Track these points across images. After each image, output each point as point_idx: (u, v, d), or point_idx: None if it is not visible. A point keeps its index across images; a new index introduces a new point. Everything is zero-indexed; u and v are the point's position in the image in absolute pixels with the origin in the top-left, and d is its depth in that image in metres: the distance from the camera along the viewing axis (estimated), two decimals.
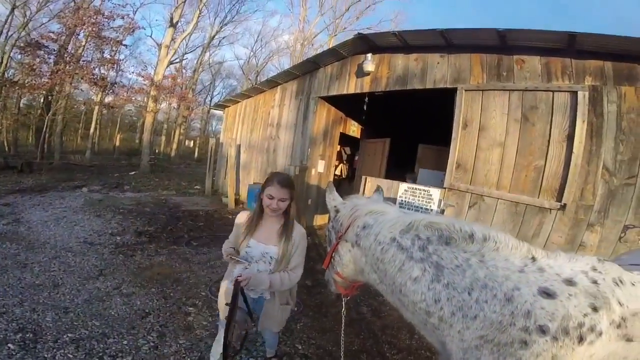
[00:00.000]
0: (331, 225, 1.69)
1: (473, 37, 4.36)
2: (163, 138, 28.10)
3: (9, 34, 16.71)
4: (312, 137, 7.16)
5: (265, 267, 1.88)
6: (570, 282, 1.07)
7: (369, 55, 5.59)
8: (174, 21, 16.89)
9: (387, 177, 6.44)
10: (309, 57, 7.28)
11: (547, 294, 1.06)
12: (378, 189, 1.89)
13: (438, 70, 4.87)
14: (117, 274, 3.90)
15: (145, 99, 16.97)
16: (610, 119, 3.53)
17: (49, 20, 17.46)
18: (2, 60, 15.13)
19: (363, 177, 5.68)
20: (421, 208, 4.64)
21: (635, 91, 3.44)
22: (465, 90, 4.50)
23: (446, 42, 4.67)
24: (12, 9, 16.62)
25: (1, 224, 5.25)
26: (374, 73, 5.70)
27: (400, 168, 7.14)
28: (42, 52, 13.43)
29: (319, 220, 7.70)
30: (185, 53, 26.76)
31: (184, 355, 2.57)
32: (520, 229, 3.90)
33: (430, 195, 4.61)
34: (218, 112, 19.81)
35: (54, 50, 13.76)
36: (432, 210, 4.55)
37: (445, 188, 4.53)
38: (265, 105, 8.63)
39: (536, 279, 1.09)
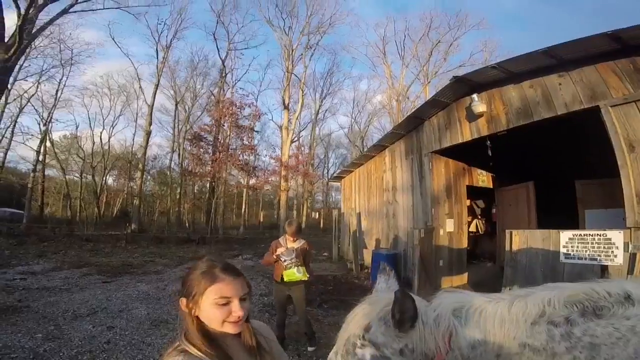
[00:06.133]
0: (395, 349, 1.01)
1: (584, 48, 3.86)
2: (295, 212, 31.53)
3: (180, 127, 23.29)
4: (434, 196, 6.73)
5: None
6: None
7: (475, 95, 5.24)
8: (286, 103, 20.29)
9: (539, 226, 5.35)
10: (408, 112, 7.33)
11: None
12: (384, 269, 1.31)
13: (564, 92, 4.23)
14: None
15: (278, 179, 19.91)
16: None
17: (201, 114, 23.94)
18: (179, 151, 21.03)
19: (507, 231, 4.88)
20: (599, 257, 3.58)
21: None
22: (612, 107, 3.74)
23: (557, 60, 4.17)
24: (176, 105, 23.56)
25: None
26: (488, 113, 5.25)
27: (551, 214, 5.87)
28: (203, 143, 17.92)
29: (455, 281, 6.77)
30: (300, 131, 30.44)
31: None
32: None
33: (610, 239, 3.58)
34: (335, 184, 21.38)
35: (211, 142, 18.15)
36: (616, 257, 3.44)
37: (630, 228, 3.47)
38: (377, 171, 8.75)
39: None
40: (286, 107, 20.63)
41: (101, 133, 23.64)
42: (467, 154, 7.08)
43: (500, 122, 5.11)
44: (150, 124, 19.43)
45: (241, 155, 18.42)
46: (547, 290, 1.03)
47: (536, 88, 4.60)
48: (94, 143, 23.23)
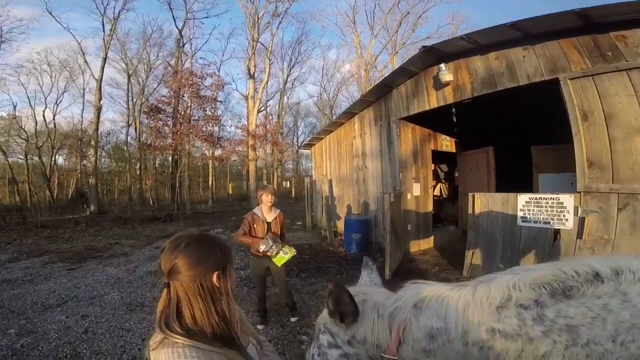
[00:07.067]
0: (340, 353, 1.09)
1: (551, 23, 3.96)
2: (265, 182, 31.26)
3: (135, 101, 22.12)
4: (402, 161, 6.95)
5: None
6: None
7: (442, 65, 5.34)
8: (251, 72, 19.45)
9: (498, 190, 5.74)
10: (377, 81, 7.33)
11: None
12: (367, 264, 1.40)
13: (527, 64, 4.39)
14: (242, 304, 4.30)
15: (246, 148, 19.46)
16: None
17: (158, 85, 22.75)
18: (135, 125, 19.82)
19: (470, 194, 5.15)
20: (552, 220, 3.92)
21: None
22: (570, 79, 3.94)
23: (523, 34, 4.30)
24: (128, 78, 22.15)
25: (156, 264, 6.46)
26: (454, 82, 5.39)
27: (511, 177, 6.31)
28: (161, 115, 16.98)
29: (422, 245, 7.25)
30: (268, 100, 30.00)
31: None
32: None
33: (562, 203, 3.90)
34: (306, 151, 21.40)
35: (170, 113, 17.23)
36: (567, 221, 3.81)
37: (579, 192, 3.80)
38: (347, 137, 8.82)
39: None
40: (252, 77, 19.65)
41: (44, 112, 21.54)
42: (432, 120, 7.26)
43: (466, 91, 5.25)
44: (100, 99, 17.74)
45: (204, 126, 17.54)
46: (511, 275, 1.01)
47: (501, 60, 4.72)
48: (36, 122, 21.12)
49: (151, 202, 20.58)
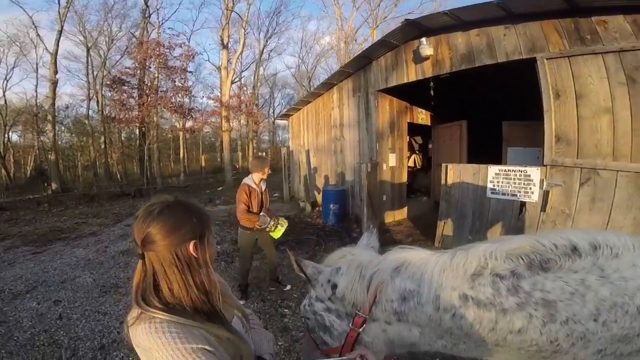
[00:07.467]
0: (324, 307, 1.16)
1: (535, 4, 3.98)
2: (240, 154, 30.61)
3: (95, 74, 21.02)
4: (379, 132, 7.03)
5: None
6: None
7: (424, 39, 5.31)
8: (225, 42, 18.41)
9: (469, 161, 5.94)
10: (357, 52, 7.17)
11: None
12: (369, 227, 1.47)
13: (507, 43, 4.45)
14: (224, 279, 4.31)
15: (219, 119, 18.77)
16: None
17: (121, 57, 21.54)
18: (97, 99, 18.70)
19: (443, 165, 5.32)
20: (519, 193, 4.13)
21: None
22: (547, 59, 4.04)
23: (506, 12, 4.30)
24: (88, 51, 20.85)
25: (127, 243, 6.36)
26: (434, 56, 5.39)
27: (482, 151, 6.53)
28: (126, 87, 15.92)
29: (396, 216, 7.49)
30: (242, 71, 28.84)
31: (283, 357, 2.75)
32: None
33: (529, 176, 4.10)
34: (282, 122, 20.95)
35: (135, 85, 16.19)
36: (533, 194, 4.02)
37: (546, 166, 4.02)
38: (326, 108, 8.73)
39: None
40: (225, 47, 18.49)
41: None
42: (410, 93, 7.29)
43: (445, 66, 5.26)
44: (56, 72, 16.16)
45: (173, 98, 16.55)
46: (489, 243, 1.00)
47: (482, 37, 4.73)
48: None
49: (119, 177, 19.70)
